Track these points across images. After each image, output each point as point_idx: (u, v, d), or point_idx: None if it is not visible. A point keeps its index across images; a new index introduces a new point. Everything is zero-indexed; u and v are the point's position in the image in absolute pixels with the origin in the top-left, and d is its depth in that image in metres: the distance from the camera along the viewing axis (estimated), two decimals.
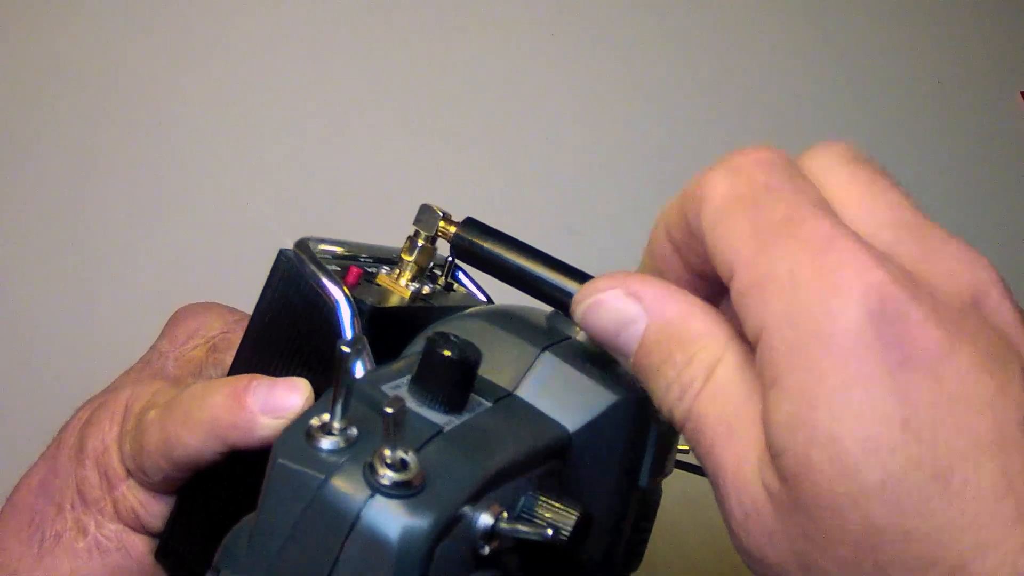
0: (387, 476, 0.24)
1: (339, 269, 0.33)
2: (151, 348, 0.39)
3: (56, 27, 0.78)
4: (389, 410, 0.24)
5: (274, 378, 0.31)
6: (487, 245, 0.35)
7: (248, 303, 0.36)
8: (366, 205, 0.81)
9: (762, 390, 0.24)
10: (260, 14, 0.84)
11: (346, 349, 0.24)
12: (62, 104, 0.80)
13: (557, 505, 0.27)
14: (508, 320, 0.33)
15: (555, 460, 0.30)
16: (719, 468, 0.26)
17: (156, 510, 0.33)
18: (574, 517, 0.27)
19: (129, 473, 0.33)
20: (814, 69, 0.88)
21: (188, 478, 0.32)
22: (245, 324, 0.34)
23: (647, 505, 0.34)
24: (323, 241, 0.35)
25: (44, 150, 0.80)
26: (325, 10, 0.85)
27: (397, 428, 0.24)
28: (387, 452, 0.24)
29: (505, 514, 0.26)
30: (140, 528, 0.34)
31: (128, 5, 0.81)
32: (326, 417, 0.25)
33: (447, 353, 0.27)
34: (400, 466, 0.25)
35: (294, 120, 0.83)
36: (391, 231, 0.84)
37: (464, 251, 0.35)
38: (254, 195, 0.81)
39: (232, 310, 0.39)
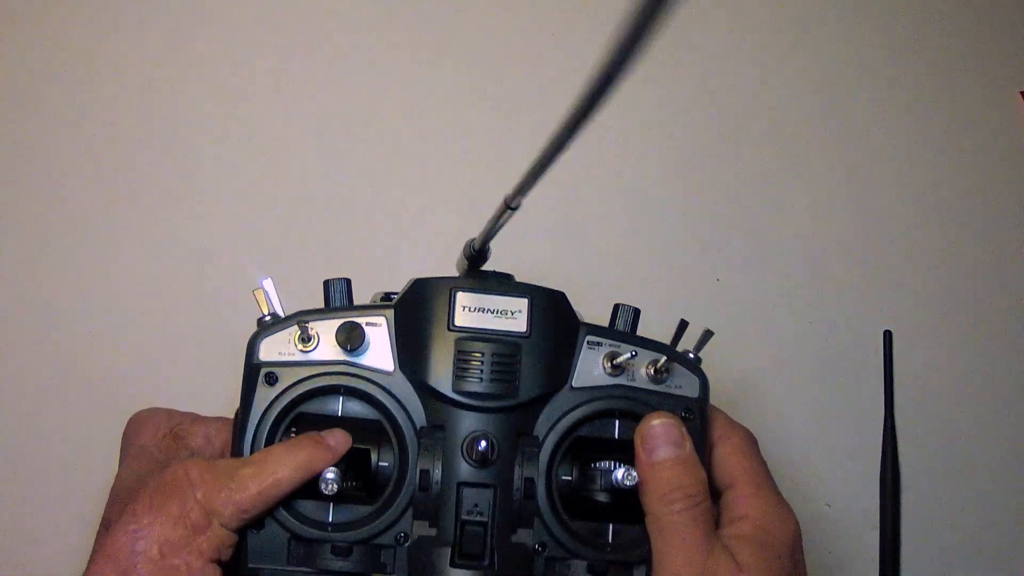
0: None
1: None
2: (125, 461, 0.54)
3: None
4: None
5: (328, 431, 0.51)
6: None
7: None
8: (364, 206, 0.81)
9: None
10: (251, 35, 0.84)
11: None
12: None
13: None
14: None
15: None
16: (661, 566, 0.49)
17: (229, 545, 0.48)
18: None
19: (209, 521, 0.47)
20: (814, 69, 0.88)
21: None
22: (175, 411, 0.55)
23: None
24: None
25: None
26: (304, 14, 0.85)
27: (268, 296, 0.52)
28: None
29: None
30: (218, 560, 0.48)
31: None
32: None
33: None
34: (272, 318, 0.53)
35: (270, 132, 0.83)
36: (397, 231, 0.85)
37: None
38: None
39: (163, 409, 0.56)
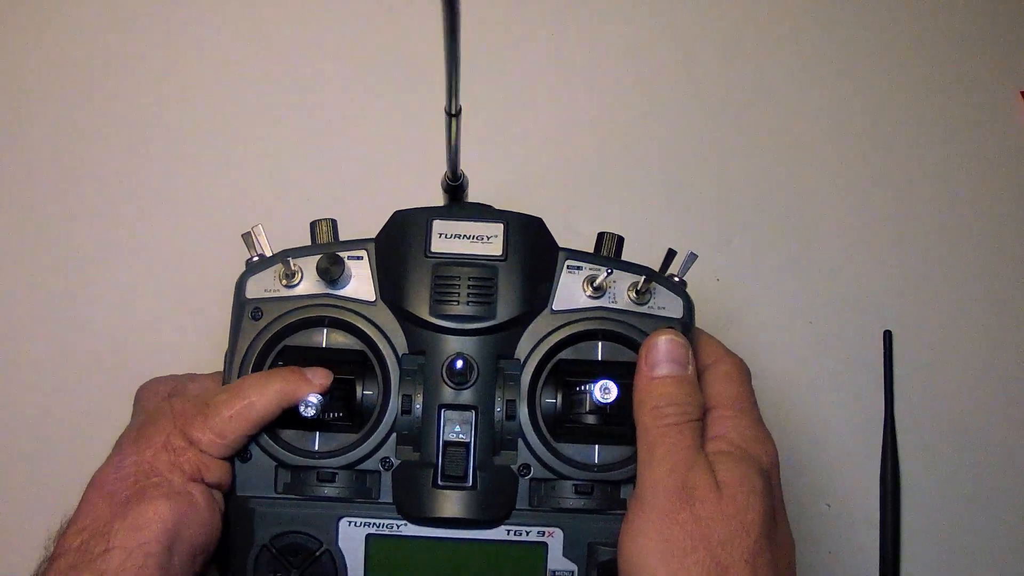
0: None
1: None
2: (135, 418, 0.55)
3: None
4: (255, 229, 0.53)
5: (311, 368, 0.50)
6: None
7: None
8: (361, 199, 0.81)
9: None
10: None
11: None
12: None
13: None
14: None
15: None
16: (643, 483, 0.48)
17: (215, 469, 0.50)
18: None
19: (190, 445, 0.49)
20: (814, 69, 0.88)
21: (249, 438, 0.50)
22: (176, 375, 0.56)
23: None
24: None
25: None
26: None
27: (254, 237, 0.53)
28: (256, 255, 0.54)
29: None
30: (200, 480, 0.49)
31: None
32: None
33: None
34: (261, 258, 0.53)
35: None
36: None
37: None
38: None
39: (167, 376, 0.58)
